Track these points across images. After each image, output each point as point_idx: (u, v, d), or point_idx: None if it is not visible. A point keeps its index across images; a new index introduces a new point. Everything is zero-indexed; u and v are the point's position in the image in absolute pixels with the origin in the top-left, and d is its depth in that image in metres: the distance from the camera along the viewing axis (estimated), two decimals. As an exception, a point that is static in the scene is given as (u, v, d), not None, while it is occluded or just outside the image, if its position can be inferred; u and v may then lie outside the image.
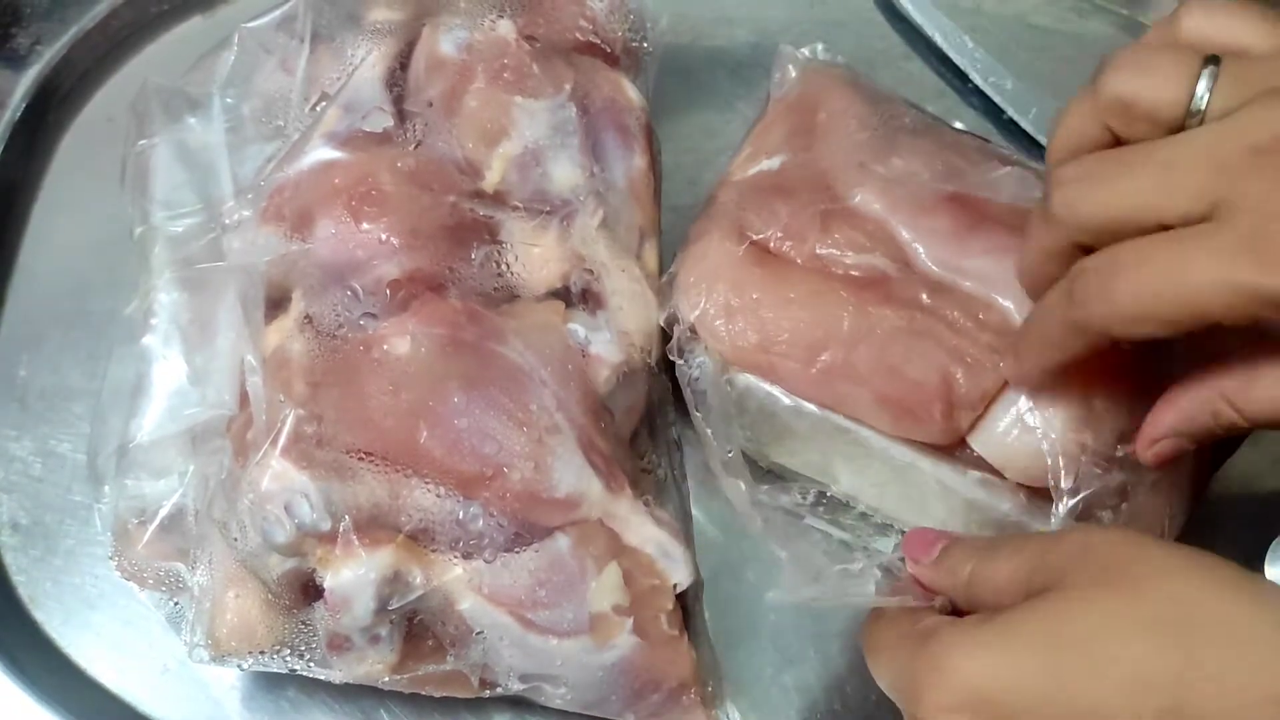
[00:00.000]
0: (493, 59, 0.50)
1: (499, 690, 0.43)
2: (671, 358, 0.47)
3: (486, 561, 0.42)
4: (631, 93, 0.53)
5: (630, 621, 0.42)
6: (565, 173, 0.49)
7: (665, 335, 0.48)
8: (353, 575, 0.40)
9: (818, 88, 0.53)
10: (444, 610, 0.42)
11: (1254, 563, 0.50)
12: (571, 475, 0.42)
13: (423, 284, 0.44)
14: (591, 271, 0.48)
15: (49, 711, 0.45)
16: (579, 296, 0.48)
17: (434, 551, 0.41)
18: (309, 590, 0.42)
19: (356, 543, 0.40)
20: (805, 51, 0.56)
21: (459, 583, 0.41)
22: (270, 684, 0.47)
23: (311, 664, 0.42)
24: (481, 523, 0.42)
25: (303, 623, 0.42)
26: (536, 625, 0.41)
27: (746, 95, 0.62)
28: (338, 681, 0.43)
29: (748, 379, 0.47)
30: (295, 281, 0.45)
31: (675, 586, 0.44)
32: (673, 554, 0.43)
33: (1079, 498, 0.43)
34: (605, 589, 0.42)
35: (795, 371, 0.45)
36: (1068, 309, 0.37)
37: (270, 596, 0.42)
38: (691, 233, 0.50)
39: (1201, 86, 0.35)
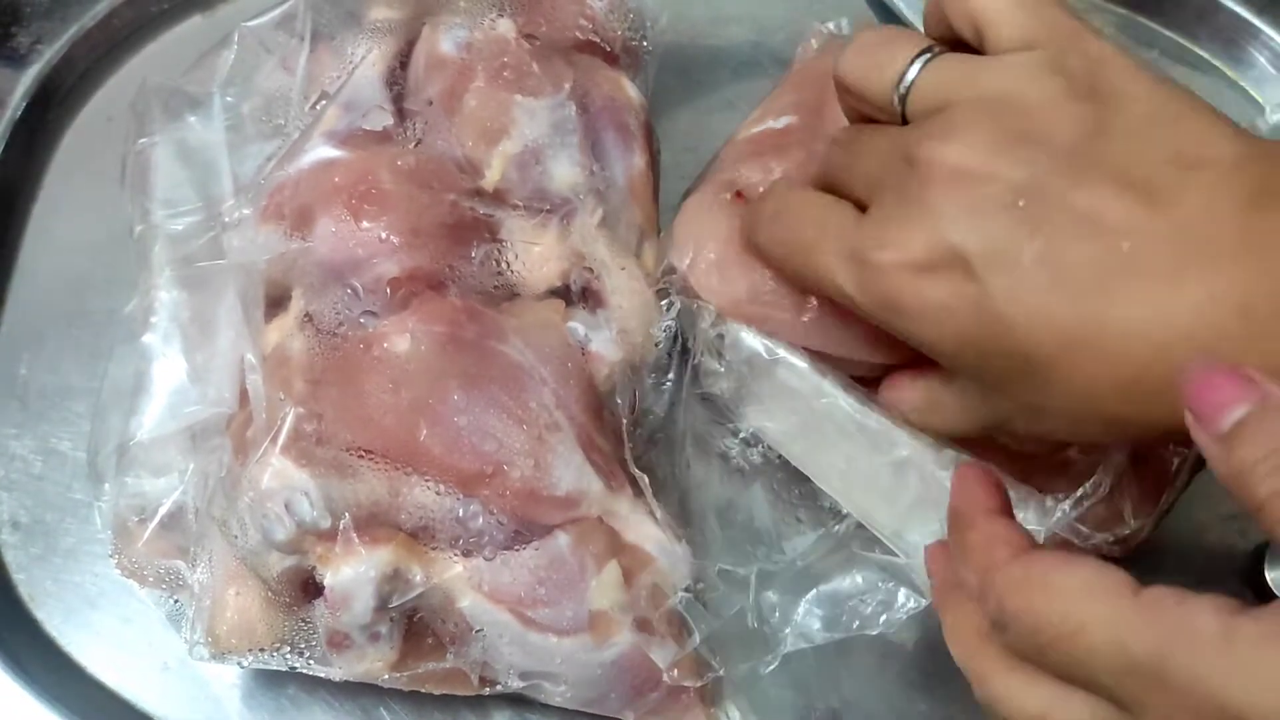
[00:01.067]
0: (493, 58, 0.50)
1: (499, 688, 0.43)
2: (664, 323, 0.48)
3: (486, 559, 0.42)
4: (631, 91, 0.53)
5: (630, 619, 0.42)
6: (565, 171, 0.49)
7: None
8: (352, 573, 0.40)
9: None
10: (444, 608, 0.42)
11: (1255, 560, 0.50)
12: (571, 473, 0.42)
13: (423, 282, 0.45)
14: (591, 270, 0.48)
15: (49, 710, 0.45)
16: (579, 295, 0.48)
17: (434, 549, 0.42)
18: (309, 588, 0.42)
19: (356, 540, 0.40)
20: (831, 25, 0.56)
21: (459, 580, 0.41)
22: (270, 682, 0.47)
23: (311, 661, 0.43)
24: (481, 520, 0.42)
25: (302, 620, 0.42)
26: (536, 623, 0.41)
27: (746, 94, 0.61)
28: (338, 679, 0.43)
29: (737, 333, 0.47)
30: (295, 280, 0.45)
31: (675, 584, 0.44)
32: (673, 552, 0.44)
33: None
34: (605, 587, 0.42)
35: (786, 322, 0.46)
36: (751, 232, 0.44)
37: (270, 594, 0.42)
38: (689, 189, 0.50)
39: (912, 72, 0.38)
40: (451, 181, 0.47)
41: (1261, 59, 0.66)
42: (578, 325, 0.46)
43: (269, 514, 0.40)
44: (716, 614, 0.46)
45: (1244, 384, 0.28)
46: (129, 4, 0.61)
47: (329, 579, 0.40)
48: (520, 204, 0.48)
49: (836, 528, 0.48)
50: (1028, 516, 0.43)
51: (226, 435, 0.44)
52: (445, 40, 0.50)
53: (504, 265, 0.47)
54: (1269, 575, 0.49)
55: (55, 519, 0.50)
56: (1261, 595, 0.49)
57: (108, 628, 0.48)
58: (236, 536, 0.41)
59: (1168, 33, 0.67)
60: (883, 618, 0.46)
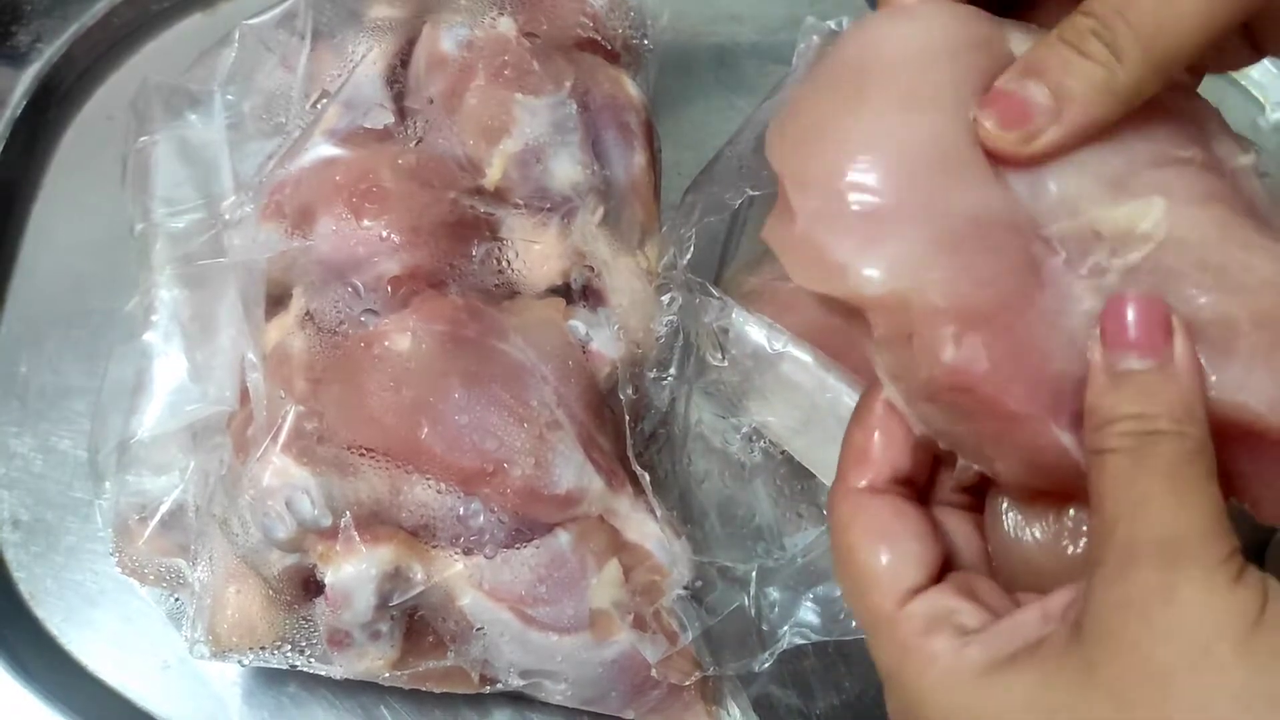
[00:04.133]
0: (493, 56, 0.50)
1: (499, 686, 0.43)
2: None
3: (487, 557, 0.42)
4: (632, 90, 0.53)
5: (631, 618, 0.42)
6: (566, 170, 0.49)
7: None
8: (353, 571, 0.40)
9: None
10: (445, 606, 0.42)
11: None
12: (572, 471, 0.42)
13: (423, 281, 0.44)
14: (592, 268, 0.48)
15: (50, 708, 0.45)
16: (580, 293, 0.48)
17: (435, 547, 0.42)
18: (310, 586, 0.42)
19: (357, 539, 0.40)
20: (831, 24, 0.56)
21: (459, 579, 0.41)
22: (271, 680, 0.47)
23: (312, 660, 0.43)
24: (482, 519, 0.42)
25: (303, 619, 0.42)
26: (537, 621, 0.41)
27: (747, 92, 0.62)
28: (338, 677, 0.43)
29: (741, 327, 0.47)
30: (296, 278, 0.45)
31: (675, 582, 0.44)
32: (673, 550, 0.44)
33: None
34: (605, 585, 0.42)
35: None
36: None
37: (271, 592, 0.42)
38: (689, 187, 0.50)
39: None
40: (452, 180, 0.47)
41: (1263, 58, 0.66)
42: (578, 323, 0.46)
43: (270, 512, 0.40)
44: (714, 611, 0.46)
45: (1158, 331, 0.28)
46: (129, 2, 0.61)
47: (330, 577, 0.40)
48: (521, 202, 0.48)
49: None
50: None
51: (227, 433, 0.44)
52: (446, 39, 0.50)
53: (505, 263, 0.47)
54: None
55: (56, 517, 0.50)
56: (1262, 594, 0.49)
57: (108, 626, 0.48)
58: (237, 535, 0.41)
59: (1168, 31, 0.67)
60: None
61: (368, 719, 0.47)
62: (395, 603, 0.41)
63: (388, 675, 0.43)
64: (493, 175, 0.48)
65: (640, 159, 0.51)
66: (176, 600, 0.47)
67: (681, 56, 0.63)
